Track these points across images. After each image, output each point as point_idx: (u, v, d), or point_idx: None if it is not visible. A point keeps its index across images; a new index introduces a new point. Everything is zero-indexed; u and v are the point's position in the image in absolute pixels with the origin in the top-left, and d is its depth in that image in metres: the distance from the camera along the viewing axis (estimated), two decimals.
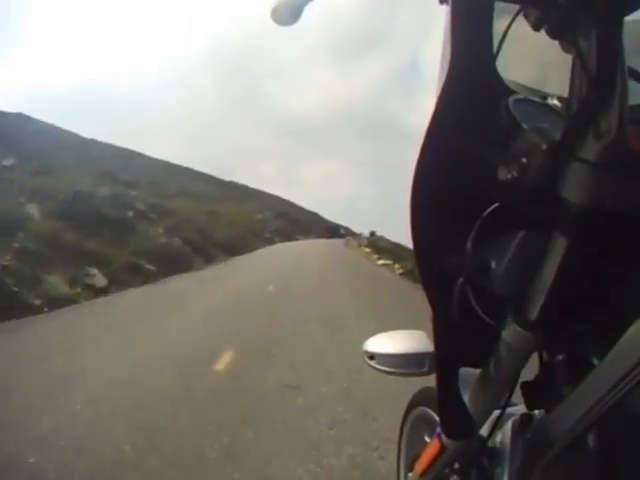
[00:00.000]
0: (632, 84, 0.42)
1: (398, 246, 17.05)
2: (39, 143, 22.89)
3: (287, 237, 35.01)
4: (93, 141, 37.51)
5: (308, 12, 0.48)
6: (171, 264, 11.33)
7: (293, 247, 24.58)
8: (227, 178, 54.36)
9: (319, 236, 41.32)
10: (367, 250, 19.75)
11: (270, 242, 28.71)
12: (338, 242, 29.59)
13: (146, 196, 17.59)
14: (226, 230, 21.17)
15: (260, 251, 21.79)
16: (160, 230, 14.14)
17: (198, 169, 51.54)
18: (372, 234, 32.52)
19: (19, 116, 30.05)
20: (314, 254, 17.84)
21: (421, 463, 0.85)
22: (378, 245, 20.89)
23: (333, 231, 46.16)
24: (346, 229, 50.18)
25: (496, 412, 0.62)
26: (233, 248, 18.75)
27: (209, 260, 14.81)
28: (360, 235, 35.81)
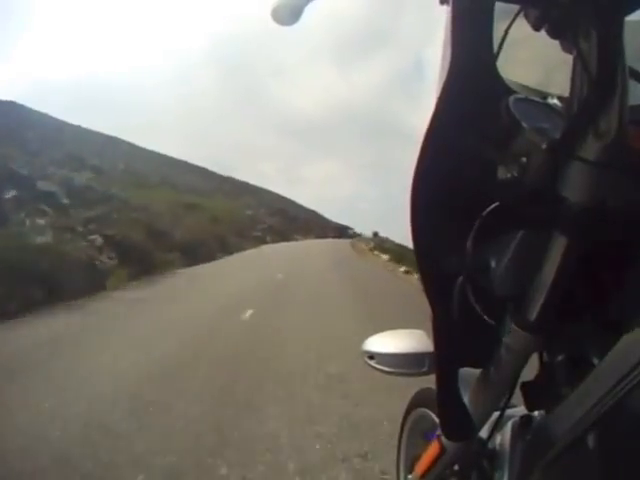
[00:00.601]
0: (632, 84, 0.42)
1: (405, 248, 14.95)
2: (13, 126, 19.42)
3: (282, 236, 30.43)
4: (78, 127, 34.50)
5: (309, 12, 0.49)
6: (39, 287, 5.69)
7: (286, 250, 19.46)
8: (226, 174, 50.79)
9: (319, 236, 38.79)
10: (384, 257, 15.53)
11: (260, 242, 23.86)
12: (344, 243, 25.85)
13: (69, 174, 12.20)
14: (202, 227, 16.12)
15: (240, 255, 16.36)
16: (42, 222, 8.38)
17: (195, 163, 47.84)
18: (375, 235, 32.44)
19: (12, 104, 28.50)
20: (314, 257, 15.13)
21: (421, 465, 0.85)
22: (385, 246, 19.83)
23: (341, 231, 44.95)
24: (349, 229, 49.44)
25: (496, 413, 0.62)
26: (199, 252, 13.20)
27: (145, 272, 8.84)
28: (361, 235, 35.62)
